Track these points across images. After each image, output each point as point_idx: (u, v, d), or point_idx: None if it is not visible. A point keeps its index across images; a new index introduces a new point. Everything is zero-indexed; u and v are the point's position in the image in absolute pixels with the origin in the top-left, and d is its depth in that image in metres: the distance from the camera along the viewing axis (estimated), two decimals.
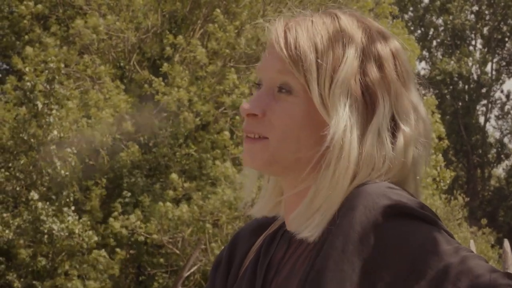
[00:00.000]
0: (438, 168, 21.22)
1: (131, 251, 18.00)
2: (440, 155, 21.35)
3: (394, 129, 1.55)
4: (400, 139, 1.54)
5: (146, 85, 18.71)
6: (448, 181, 21.78)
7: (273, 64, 1.57)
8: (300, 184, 1.57)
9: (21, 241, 16.43)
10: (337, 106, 1.53)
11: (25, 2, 19.40)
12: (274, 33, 1.58)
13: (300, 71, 1.54)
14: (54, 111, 16.18)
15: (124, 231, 17.08)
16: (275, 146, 1.56)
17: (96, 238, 16.65)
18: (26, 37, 19.64)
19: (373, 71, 1.55)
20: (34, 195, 16.02)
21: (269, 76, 1.59)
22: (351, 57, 1.55)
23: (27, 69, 16.89)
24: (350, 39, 1.57)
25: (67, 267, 16.88)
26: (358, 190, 1.49)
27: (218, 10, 18.65)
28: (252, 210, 1.69)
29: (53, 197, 16.60)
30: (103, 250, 17.24)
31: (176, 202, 17.64)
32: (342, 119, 1.52)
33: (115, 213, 17.46)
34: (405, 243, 1.43)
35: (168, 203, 16.94)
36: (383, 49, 1.58)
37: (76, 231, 16.20)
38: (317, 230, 1.51)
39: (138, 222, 17.13)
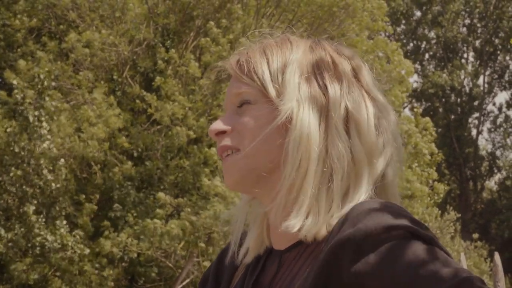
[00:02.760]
0: (431, 181, 21.26)
1: (123, 264, 17.94)
2: (434, 169, 21.39)
3: (346, 122, 1.58)
4: (351, 132, 1.57)
5: (138, 101, 18.70)
6: (441, 195, 21.80)
7: (230, 91, 1.64)
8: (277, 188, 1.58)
9: (13, 254, 16.38)
10: (287, 87, 1.58)
11: (19, 16, 19.40)
12: (228, 63, 1.67)
13: (254, 78, 1.60)
14: (44, 124, 16.15)
15: (115, 249, 17.00)
16: (247, 152, 1.59)
17: (88, 251, 16.61)
18: (19, 50, 19.63)
19: (324, 64, 1.61)
20: (30, 207, 16.00)
21: (229, 103, 1.65)
22: (301, 49, 1.62)
23: (15, 81, 16.80)
24: (297, 42, 1.65)
25: (59, 284, 16.81)
26: (353, 208, 1.49)
27: (211, 22, 18.66)
28: (240, 255, 1.69)
29: (44, 210, 16.56)
30: (96, 265, 17.17)
31: (167, 217, 17.59)
32: (292, 97, 1.57)
33: (106, 233, 17.38)
34: (400, 264, 1.41)
35: (156, 220, 16.88)
36: (333, 51, 1.64)
37: (70, 243, 16.17)
38: (299, 221, 1.53)
39: (130, 239, 17.05)
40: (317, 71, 1.60)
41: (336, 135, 1.55)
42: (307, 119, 1.55)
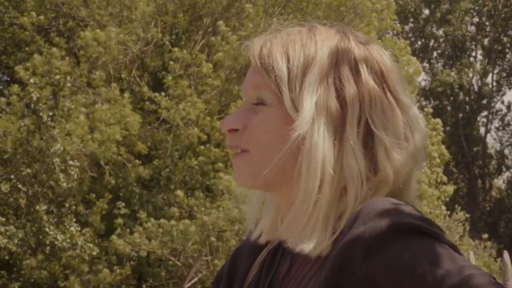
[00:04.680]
0: (439, 179, 21.21)
1: (132, 262, 17.96)
2: (442, 172, 21.33)
3: (369, 138, 1.54)
4: (377, 149, 1.54)
5: (148, 102, 18.70)
6: (450, 195, 21.76)
7: (250, 80, 1.60)
8: (291, 198, 1.56)
9: (23, 253, 16.41)
10: (305, 106, 1.53)
11: (25, 14, 19.42)
12: (251, 48, 1.61)
13: (272, 78, 1.56)
14: (57, 124, 16.20)
15: (127, 249, 17.01)
16: (256, 157, 1.57)
17: (97, 251, 16.63)
18: (28, 49, 19.65)
19: (346, 75, 1.55)
20: (41, 205, 16.03)
21: (247, 93, 1.61)
22: (323, 59, 1.55)
23: (31, 80, 16.83)
24: (323, 43, 1.58)
25: (73, 282, 16.84)
26: (363, 207, 1.49)
27: (221, 21, 18.68)
28: (254, 234, 1.68)
29: (55, 209, 16.58)
30: (106, 264, 17.20)
31: (180, 216, 17.59)
32: (307, 116, 1.52)
33: (118, 230, 17.39)
34: (409, 260, 1.42)
35: (172, 221, 16.87)
36: (360, 54, 1.57)
37: (79, 242, 16.21)
38: (312, 243, 1.52)
39: (143, 239, 17.06)
40: (338, 81, 1.55)
41: (351, 152, 1.52)
42: (322, 141, 1.51)
